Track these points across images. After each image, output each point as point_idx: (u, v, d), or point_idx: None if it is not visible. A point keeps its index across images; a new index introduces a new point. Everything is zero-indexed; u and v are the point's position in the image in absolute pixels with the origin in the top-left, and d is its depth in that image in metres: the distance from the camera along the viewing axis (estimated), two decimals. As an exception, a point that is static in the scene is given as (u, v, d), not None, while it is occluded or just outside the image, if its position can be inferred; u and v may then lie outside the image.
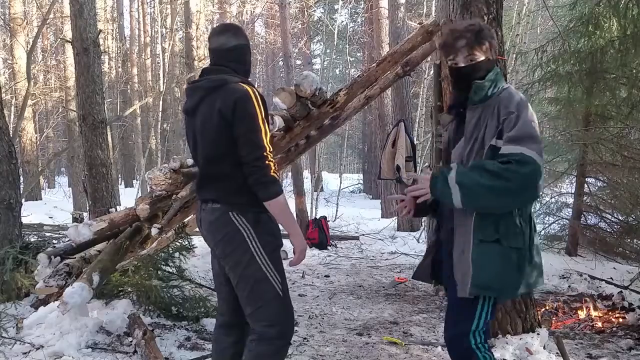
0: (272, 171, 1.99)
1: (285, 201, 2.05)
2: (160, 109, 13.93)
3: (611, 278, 4.97)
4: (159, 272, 3.84)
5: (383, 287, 5.19)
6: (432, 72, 5.65)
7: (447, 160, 2.15)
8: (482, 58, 1.98)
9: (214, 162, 2.08)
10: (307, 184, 11.36)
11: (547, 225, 6.55)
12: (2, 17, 13.57)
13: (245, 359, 2.10)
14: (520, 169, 1.78)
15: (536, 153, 1.81)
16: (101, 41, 8.85)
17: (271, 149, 2.03)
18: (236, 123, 1.99)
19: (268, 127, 2.06)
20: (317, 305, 4.47)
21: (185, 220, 4.02)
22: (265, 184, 2.00)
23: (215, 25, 2.36)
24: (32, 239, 4.78)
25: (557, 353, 2.98)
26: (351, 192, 19.09)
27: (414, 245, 7.48)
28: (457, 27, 2.05)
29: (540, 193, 1.90)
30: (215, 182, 2.10)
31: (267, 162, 1.99)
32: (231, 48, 2.14)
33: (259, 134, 1.99)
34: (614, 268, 5.45)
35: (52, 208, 11.51)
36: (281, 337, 2.08)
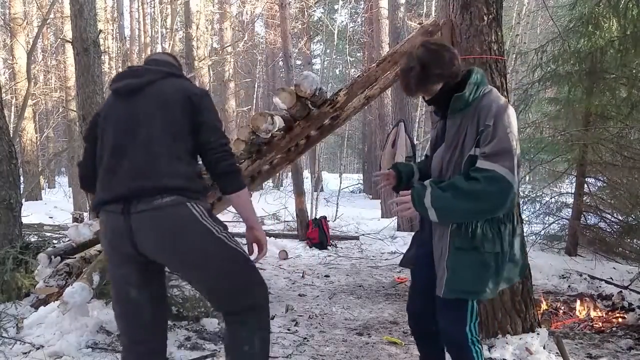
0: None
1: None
2: (160, 109, 13.89)
3: (611, 278, 4.97)
4: (159, 272, 3.83)
5: (383, 287, 5.19)
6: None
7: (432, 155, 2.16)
8: (441, 85, 1.97)
9: (174, 144, 1.86)
10: (307, 184, 11.37)
11: (547, 225, 6.55)
12: (2, 17, 13.57)
13: (247, 351, 1.89)
14: (488, 188, 1.80)
15: (508, 170, 1.81)
16: (101, 41, 8.84)
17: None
18: (203, 111, 1.90)
19: None
20: (317, 305, 4.47)
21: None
22: (236, 173, 1.92)
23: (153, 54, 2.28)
24: (32, 239, 4.77)
25: (557, 353, 2.98)
26: (351, 192, 19.10)
27: (414, 245, 7.46)
28: (404, 69, 2.00)
29: (514, 204, 1.90)
30: (170, 167, 1.83)
31: (233, 150, 1.95)
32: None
33: (222, 127, 1.95)
34: (614, 268, 5.45)
35: (52, 208, 11.48)
36: (263, 309, 1.96)
